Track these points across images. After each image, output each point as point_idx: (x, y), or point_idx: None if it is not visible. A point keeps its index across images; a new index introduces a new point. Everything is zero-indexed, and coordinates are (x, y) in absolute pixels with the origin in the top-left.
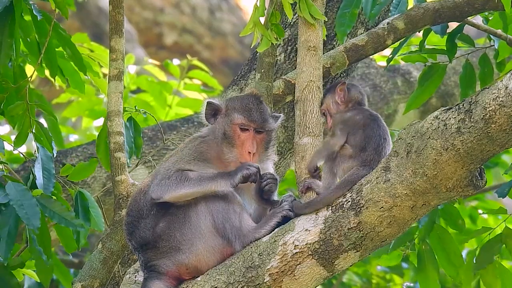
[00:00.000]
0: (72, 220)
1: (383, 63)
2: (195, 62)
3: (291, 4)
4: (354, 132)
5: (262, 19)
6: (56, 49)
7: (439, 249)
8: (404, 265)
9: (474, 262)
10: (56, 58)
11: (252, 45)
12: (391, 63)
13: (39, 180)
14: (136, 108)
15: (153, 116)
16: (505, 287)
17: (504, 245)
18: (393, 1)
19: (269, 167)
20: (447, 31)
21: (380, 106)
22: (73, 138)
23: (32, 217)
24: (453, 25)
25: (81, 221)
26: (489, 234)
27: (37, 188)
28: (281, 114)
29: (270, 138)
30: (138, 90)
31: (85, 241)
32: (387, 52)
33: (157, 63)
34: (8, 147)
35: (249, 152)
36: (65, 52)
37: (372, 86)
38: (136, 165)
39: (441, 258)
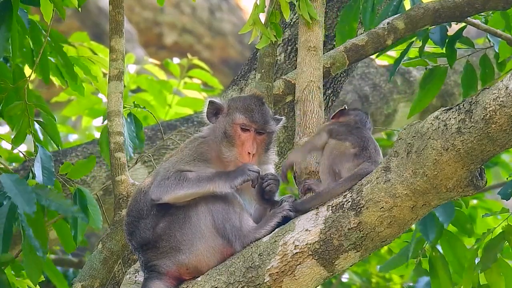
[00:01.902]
0: (69, 208)
1: (383, 62)
2: (196, 61)
3: (290, 5)
4: (349, 134)
5: (262, 18)
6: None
7: (449, 253)
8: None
9: (479, 262)
10: (48, 66)
11: (250, 42)
12: (390, 61)
13: (39, 178)
14: (135, 103)
15: (152, 114)
16: (508, 284)
17: (506, 242)
18: (392, 9)
19: (269, 168)
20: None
21: (380, 106)
22: (73, 138)
23: (27, 203)
24: (453, 27)
25: (78, 208)
26: (491, 233)
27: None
28: (283, 117)
29: (270, 140)
30: (138, 90)
31: (83, 238)
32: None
33: (157, 62)
34: (7, 146)
35: (249, 153)
36: (56, 60)
37: (372, 85)
38: (136, 163)
39: (451, 262)
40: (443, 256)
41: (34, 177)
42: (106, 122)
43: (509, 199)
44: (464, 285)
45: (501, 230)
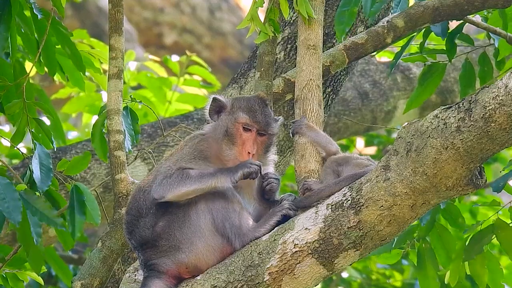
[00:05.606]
0: (54, 219)
1: (384, 58)
2: (194, 58)
3: (289, 3)
4: None
5: (262, 16)
6: (56, 47)
7: (439, 247)
8: (404, 262)
9: (464, 252)
10: (55, 57)
11: (248, 36)
12: (391, 57)
13: (36, 175)
14: (132, 97)
15: (151, 109)
16: (492, 276)
17: (495, 236)
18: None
19: (269, 169)
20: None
21: (380, 103)
22: (72, 136)
23: (13, 212)
24: (452, 25)
25: (63, 221)
26: (481, 225)
27: (35, 184)
28: (281, 117)
29: (271, 142)
30: (138, 87)
31: (81, 234)
32: (388, 47)
33: (157, 59)
34: (8, 143)
35: (249, 153)
36: (63, 51)
37: (372, 82)
38: (135, 158)
39: (441, 256)
40: (432, 248)
41: (32, 174)
42: (99, 115)
43: (500, 191)
44: (451, 275)
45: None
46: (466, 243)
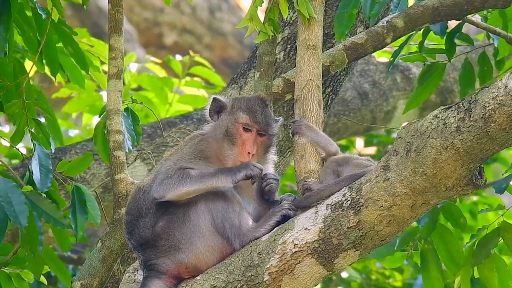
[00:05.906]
0: (60, 219)
1: (383, 59)
2: (198, 58)
3: (289, 3)
4: None
5: (261, 15)
6: (56, 45)
7: (442, 248)
8: (404, 262)
9: (472, 257)
10: (57, 56)
11: (246, 35)
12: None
13: (36, 176)
14: (132, 98)
15: (151, 110)
16: (501, 280)
17: (501, 239)
18: (394, 0)
19: (268, 168)
20: (446, 31)
21: (380, 103)
22: (73, 133)
23: (19, 215)
24: (452, 24)
25: (69, 221)
26: (487, 229)
27: (35, 185)
28: (281, 118)
29: (271, 142)
30: (139, 89)
31: (83, 234)
32: (387, 48)
33: (159, 61)
34: (7, 143)
35: (249, 153)
36: (65, 50)
37: (372, 82)
38: (135, 159)
39: (443, 257)
40: (435, 249)
41: (31, 174)
42: (101, 117)
43: (503, 193)
44: (462, 281)
45: (497, 226)
46: (474, 248)
